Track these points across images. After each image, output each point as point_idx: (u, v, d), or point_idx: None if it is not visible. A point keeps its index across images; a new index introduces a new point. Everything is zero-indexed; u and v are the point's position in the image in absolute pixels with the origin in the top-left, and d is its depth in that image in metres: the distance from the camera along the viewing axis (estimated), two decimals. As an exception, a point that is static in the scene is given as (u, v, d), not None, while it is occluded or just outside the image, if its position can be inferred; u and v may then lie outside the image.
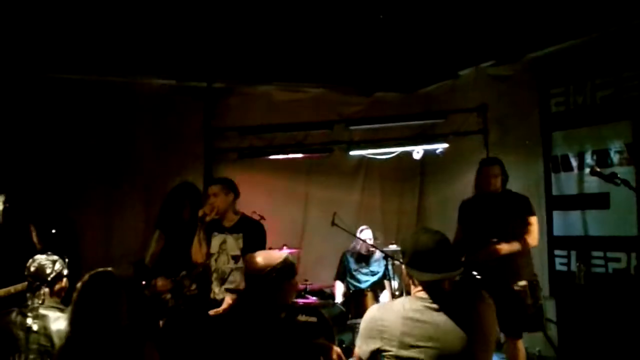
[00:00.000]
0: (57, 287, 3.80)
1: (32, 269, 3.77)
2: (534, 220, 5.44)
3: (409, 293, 3.05)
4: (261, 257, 3.36)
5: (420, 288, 2.93)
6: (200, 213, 5.33)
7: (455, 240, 5.59)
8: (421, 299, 2.90)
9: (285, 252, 3.49)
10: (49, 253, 3.92)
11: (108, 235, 7.30)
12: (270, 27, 6.17)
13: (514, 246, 5.28)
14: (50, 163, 6.82)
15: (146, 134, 7.51)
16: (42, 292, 3.71)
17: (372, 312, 3.01)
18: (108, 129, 7.32)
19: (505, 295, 5.09)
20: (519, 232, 5.35)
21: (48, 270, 3.76)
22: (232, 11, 5.80)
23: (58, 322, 3.56)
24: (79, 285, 3.13)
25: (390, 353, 2.83)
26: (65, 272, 3.87)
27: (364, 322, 2.98)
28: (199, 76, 7.65)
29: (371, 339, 2.90)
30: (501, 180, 5.52)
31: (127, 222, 7.39)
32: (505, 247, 5.25)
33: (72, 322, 3.09)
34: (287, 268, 3.33)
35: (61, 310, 3.63)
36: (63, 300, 3.80)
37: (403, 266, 3.04)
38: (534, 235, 5.40)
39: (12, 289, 4.42)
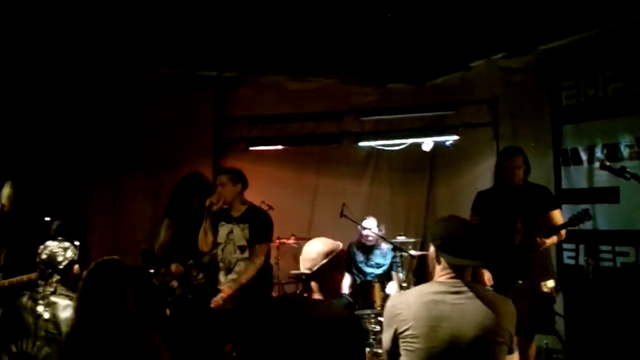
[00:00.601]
0: (69, 274, 3.75)
1: (44, 256, 3.71)
2: (559, 213, 5.36)
3: (430, 279, 3.12)
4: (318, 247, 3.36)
5: (443, 274, 3.02)
6: (207, 202, 5.34)
7: None
8: (442, 283, 2.99)
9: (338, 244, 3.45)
10: (60, 239, 3.85)
11: (116, 223, 7.35)
12: (282, 16, 6.15)
13: (554, 240, 5.21)
14: (58, 152, 6.84)
15: (156, 123, 7.53)
16: (53, 279, 3.67)
17: (390, 300, 3.11)
18: (117, 117, 7.34)
19: (534, 296, 5.10)
20: (544, 225, 5.23)
21: (60, 258, 3.70)
22: (243, 0, 5.80)
23: (67, 310, 3.52)
24: (84, 273, 3.14)
25: (406, 333, 2.90)
26: (76, 259, 3.80)
27: (384, 313, 3.08)
28: (209, 65, 7.65)
29: (390, 326, 2.99)
30: (523, 171, 5.40)
31: (136, 211, 7.44)
32: (548, 241, 5.14)
33: (78, 310, 3.11)
34: (336, 261, 3.33)
35: (71, 299, 3.57)
36: (73, 287, 3.72)
37: (432, 249, 3.10)
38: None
39: (24, 277, 4.44)
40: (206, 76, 7.83)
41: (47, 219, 5.53)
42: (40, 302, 3.58)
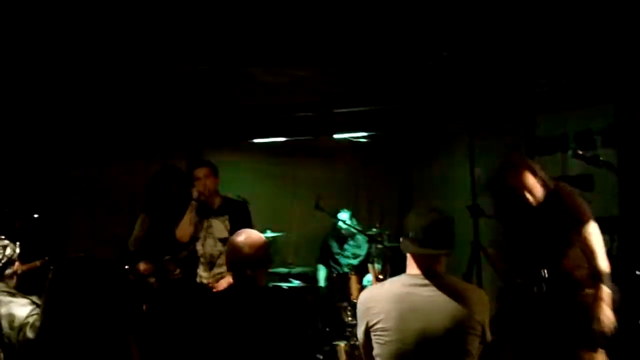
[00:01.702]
0: (7, 272, 3.79)
1: None
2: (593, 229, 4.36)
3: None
4: (244, 243, 3.42)
5: (413, 265, 3.00)
6: (195, 193, 5.31)
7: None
8: (412, 276, 2.98)
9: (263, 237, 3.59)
10: (2, 238, 3.90)
11: (95, 217, 7.28)
12: (254, 8, 6.11)
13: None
14: (35, 145, 6.77)
15: (129, 117, 7.45)
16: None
17: (362, 295, 3.12)
18: (91, 110, 7.24)
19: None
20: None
21: None
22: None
23: (8, 306, 3.56)
24: (49, 274, 3.06)
25: (377, 326, 2.91)
26: (15, 256, 3.85)
27: (357, 307, 3.08)
28: (183, 59, 7.58)
29: (362, 319, 3.00)
30: (542, 185, 4.38)
31: (112, 206, 7.36)
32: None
33: (44, 310, 3.03)
34: (265, 257, 3.46)
35: (12, 295, 3.65)
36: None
37: (401, 241, 3.10)
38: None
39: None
40: (180, 69, 7.76)
41: (35, 215, 5.52)
42: None
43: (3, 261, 3.76)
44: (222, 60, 7.70)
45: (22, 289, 3.89)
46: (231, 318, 3.23)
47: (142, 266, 5.70)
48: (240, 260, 3.39)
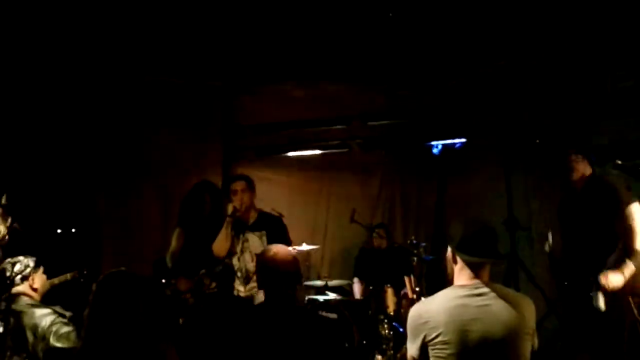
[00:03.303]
0: (19, 288, 3.99)
1: None
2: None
3: (449, 283, 3.12)
4: (276, 260, 3.40)
5: (462, 275, 3.03)
6: (231, 208, 5.31)
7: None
8: (463, 287, 3.00)
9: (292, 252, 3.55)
10: (18, 256, 4.14)
11: (128, 234, 7.34)
12: (286, 24, 6.15)
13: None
14: (69, 163, 6.86)
15: (164, 132, 7.54)
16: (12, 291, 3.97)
17: (413, 310, 3.09)
18: (126, 128, 7.36)
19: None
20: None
21: (7, 274, 4.00)
22: (246, 9, 5.79)
23: (31, 317, 3.80)
24: (93, 286, 3.09)
25: (437, 340, 2.90)
26: (27, 271, 4.03)
27: (409, 322, 3.07)
28: (214, 75, 7.66)
29: (417, 335, 2.98)
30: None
31: (146, 221, 7.43)
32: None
33: (88, 324, 3.04)
34: (298, 273, 3.44)
35: (35, 307, 3.89)
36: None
37: (449, 251, 3.12)
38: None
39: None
40: (213, 86, 7.84)
41: (59, 230, 5.56)
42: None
43: (12, 277, 3.98)
44: (253, 76, 7.79)
45: (49, 302, 4.06)
46: (271, 336, 3.18)
47: (182, 285, 5.69)
48: (274, 278, 3.35)
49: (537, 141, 6.44)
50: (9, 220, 5.49)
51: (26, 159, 6.46)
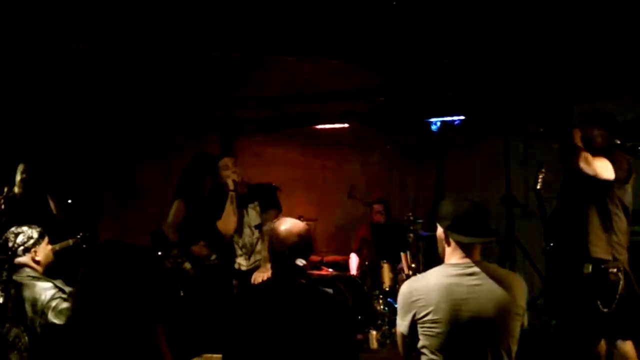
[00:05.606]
0: (22, 259, 3.88)
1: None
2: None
3: (442, 261, 3.11)
4: (283, 229, 3.23)
5: (454, 255, 3.02)
6: (231, 183, 5.31)
7: None
8: (454, 265, 3.00)
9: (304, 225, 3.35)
10: (22, 226, 4.01)
11: (127, 204, 7.36)
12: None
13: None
14: (67, 133, 6.86)
15: (164, 103, 7.54)
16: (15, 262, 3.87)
17: (405, 286, 3.08)
18: (126, 98, 7.35)
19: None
20: None
21: (10, 244, 3.88)
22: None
23: (32, 290, 3.72)
24: (86, 257, 3.07)
25: (427, 318, 2.91)
26: (30, 243, 3.91)
27: (399, 299, 3.07)
28: (216, 47, 7.62)
29: (408, 312, 2.98)
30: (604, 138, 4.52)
31: (145, 194, 7.44)
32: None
33: (76, 297, 3.05)
34: (303, 246, 3.20)
35: (37, 279, 3.80)
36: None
37: (440, 230, 3.10)
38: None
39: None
40: (214, 58, 7.80)
41: (69, 201, 5.58)
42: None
43: (14, 248, 3.87)
44: (256, 48, 7.74)
45: (50, 274, 3.99)
46: (284, 311, 3.04)
47: (196, 248, 5.66)
48: (287, 250, 3.16)
49: (541, 129, 6.44)
50: (5, 189, 5.53)
51: (27, 127, 6.47)
